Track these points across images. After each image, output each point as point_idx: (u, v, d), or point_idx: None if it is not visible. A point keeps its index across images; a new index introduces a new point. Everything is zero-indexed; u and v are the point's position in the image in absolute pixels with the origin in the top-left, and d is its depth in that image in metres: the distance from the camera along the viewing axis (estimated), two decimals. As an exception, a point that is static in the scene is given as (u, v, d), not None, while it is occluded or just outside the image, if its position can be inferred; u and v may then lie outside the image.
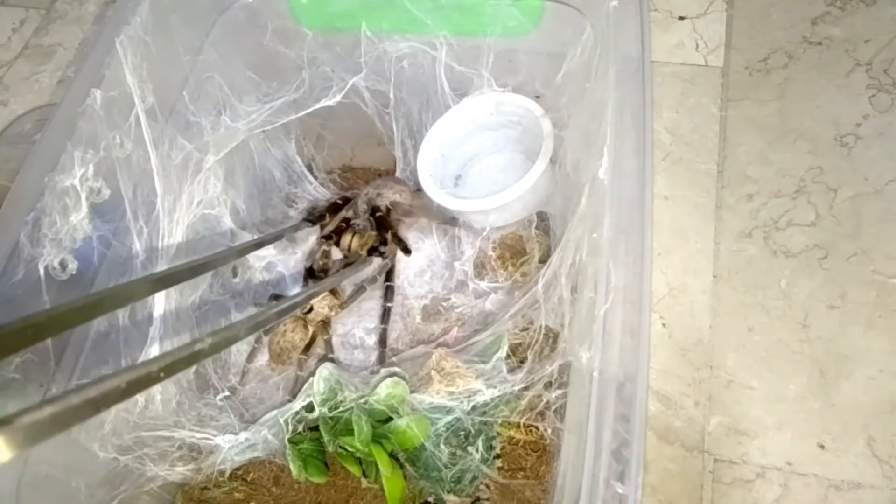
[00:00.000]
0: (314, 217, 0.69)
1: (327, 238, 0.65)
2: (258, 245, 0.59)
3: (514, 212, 0.65)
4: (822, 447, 0.65)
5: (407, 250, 0.65)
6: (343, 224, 0.66)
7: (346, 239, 0.65)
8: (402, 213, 0.67)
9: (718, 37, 0.90)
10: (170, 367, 0.25)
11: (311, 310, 0.62)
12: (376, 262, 0.64)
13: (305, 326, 0.62)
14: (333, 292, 0.63)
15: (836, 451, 0.64)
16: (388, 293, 0.64)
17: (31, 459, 0.47)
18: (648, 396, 0.49)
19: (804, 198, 0.78)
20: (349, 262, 0.64)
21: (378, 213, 0.66)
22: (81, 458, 0.51)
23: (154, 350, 0.54)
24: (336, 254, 0.65)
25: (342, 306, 0.63)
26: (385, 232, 0.65)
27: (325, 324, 0.63)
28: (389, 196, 0.68)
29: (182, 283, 0.37)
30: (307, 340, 0.62)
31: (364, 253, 0.64)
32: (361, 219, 0.66)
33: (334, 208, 0.69)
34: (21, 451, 0.18)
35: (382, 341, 0.63)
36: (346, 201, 0.70)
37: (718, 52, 0.89)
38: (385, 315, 0.64)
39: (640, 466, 0.37)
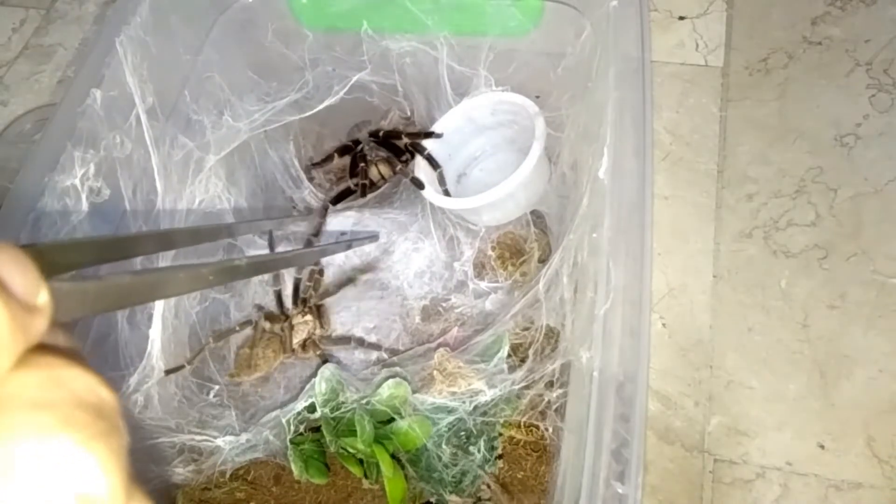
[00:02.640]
0: (321, 161, 0.72)
1: (354, 176, 0.70)
2: (253, 228, 0.60)
3: (507, 211, 0.65)
4: (822, 447, 0.65)
5: (432, 161, 0.66)
6: (362, 163, 0.70)
7: (373, 171, 0.69)
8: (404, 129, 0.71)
9: (718, 37, 0.90)
10: (217, 274, 0.28)
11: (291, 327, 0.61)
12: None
13: (281, 345, 0.61)
14: (315, 313, 0.62)
15: (836, 451, 0.64)
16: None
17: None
18: (648, 396, 0.49)
19: (804, 198, 0.78)
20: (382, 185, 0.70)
21: (381, 133, 0.70)
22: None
23: (153, 349, 0.54)
24: (374, 173, 0.70)
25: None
26: (399, 141, 0.69)
27: (313, 344, 0.62)
28: (384, 124, 0.73)
29: (178, 248, 0.40)
30: (276, 360, 0.61)
31: (392, 173, 0.69)
32: (372, 154, 0.70)
33: (344, 150, 0.72)
34: (104, 309, 0.20)
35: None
36: (357, 143, 0.72)
37: (718, 52, 0.89)
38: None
39: (640, 466, 0.37)
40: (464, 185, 0.71)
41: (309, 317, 0.62)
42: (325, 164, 0.71)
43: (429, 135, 0.67)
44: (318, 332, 0.62)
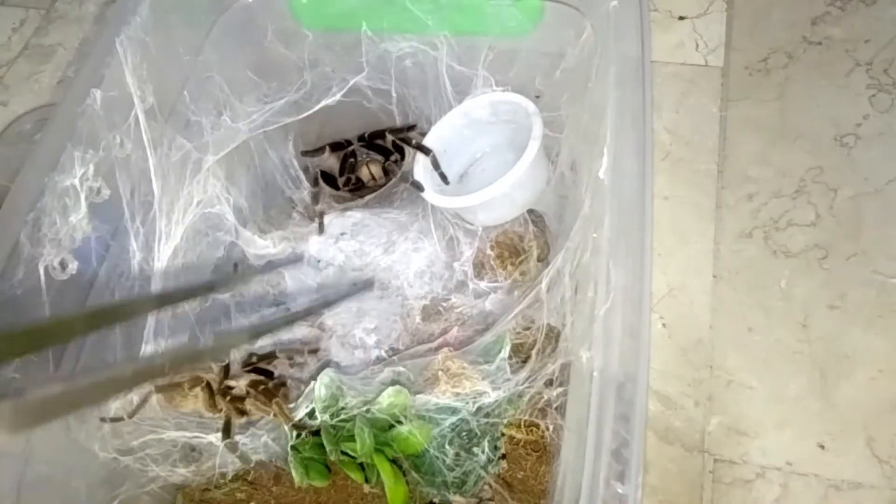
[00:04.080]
0: (313, 151, 0.72)
1: (347, 172, 0.70)
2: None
3: (503, 210, 0.65)
4: (822, 447, 0.65)
5: (422, 147, 0.67)
6: (351, 159, 0.70)
7: (364, 172, 0.70)
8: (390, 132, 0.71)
9: (718, 37, 0.90)
10: (175, 362, 0.25)
11: (230, 388, 0.55)
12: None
13: (205, 392, 0.54)
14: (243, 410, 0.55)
15: (836, 451, 0.64)
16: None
17: (31, 459, 0.47)
18: (648, 396, 0.49)
19: (804, 198, 0.78)
20: (378, 186, 0.70)
21: (366, 135, 0.70)
22: (81, 458, 0.51)
23: (146, 350, 0.54)
24: (365, 173, 0.70)
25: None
26: (383, 140, 0.70)
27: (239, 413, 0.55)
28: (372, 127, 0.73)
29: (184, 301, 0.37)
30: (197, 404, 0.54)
31: (383, 174, 0.70)
32: (363, 155, 0.71)
33: (336, 146, 0.72)
34: (25, 428, 0.19)
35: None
36: (349, 143, 0.73)
37: (718, 52, 0.89)
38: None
39: (640, 466, 0.37)
40: (465, 185, 0.71)
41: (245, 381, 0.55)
42: (316, 154, 0.72)
43: (412, 128, 0.68)
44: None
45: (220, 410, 0.54)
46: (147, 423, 0.54)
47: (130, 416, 0.52)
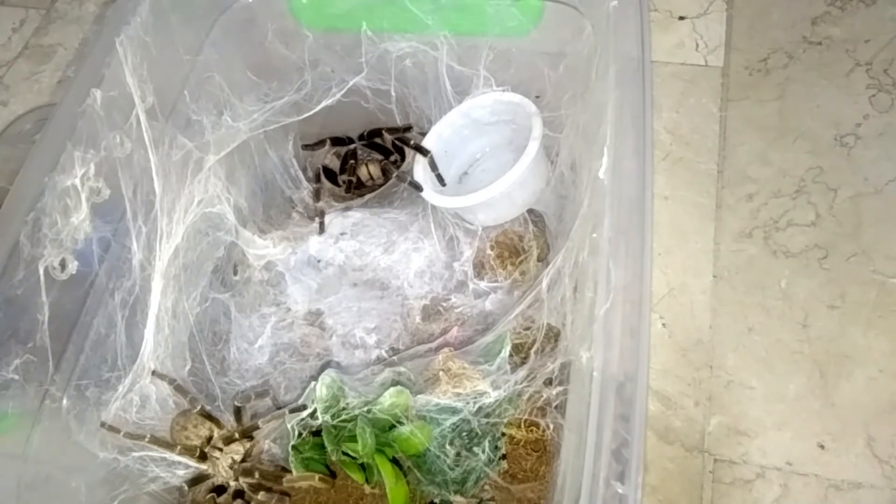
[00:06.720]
0: (313, 144, 0.73)
1: (347, 174, 0.70)
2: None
3: (503, 210, 0.65)
4: (822, 447, 0.65)
5: (420, 148, 0.67)
6: (352, 160, 0.71)
7: (363, 171, 0.70)
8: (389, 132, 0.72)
9: (718, 37, 0.90)
10: None
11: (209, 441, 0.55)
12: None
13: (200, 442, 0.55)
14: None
15: (836, 451, 0.64)
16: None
17: (31, 459, 0.47)
18: (648, 396, 0.49)
19: (804, 198, 0.78)
20: (375, 186, 0.71)
21: (365, 133, 0.71)
22: (81, 458, 0.51)
23: (146, 349, 0.54)
24: (363, 172, 0.70)
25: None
26: (381, 139, 0.71)
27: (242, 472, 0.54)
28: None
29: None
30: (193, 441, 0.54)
31: (381, 174, 0.70)
32: (364, 154, 0.72)
33: (337, 141, 0.73)
34: None
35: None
36: (350, 140, 0.73)
37: (718, 52, 0.89)
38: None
39: (640, 466, 0.37)
40: (465, 184, 0.72)
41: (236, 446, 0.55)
42: (316, 147, 0.72)
43: (408, 129, 0.69)
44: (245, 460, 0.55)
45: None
46: (148, 423, 0.54)
47: (125, 436, 0.52)
